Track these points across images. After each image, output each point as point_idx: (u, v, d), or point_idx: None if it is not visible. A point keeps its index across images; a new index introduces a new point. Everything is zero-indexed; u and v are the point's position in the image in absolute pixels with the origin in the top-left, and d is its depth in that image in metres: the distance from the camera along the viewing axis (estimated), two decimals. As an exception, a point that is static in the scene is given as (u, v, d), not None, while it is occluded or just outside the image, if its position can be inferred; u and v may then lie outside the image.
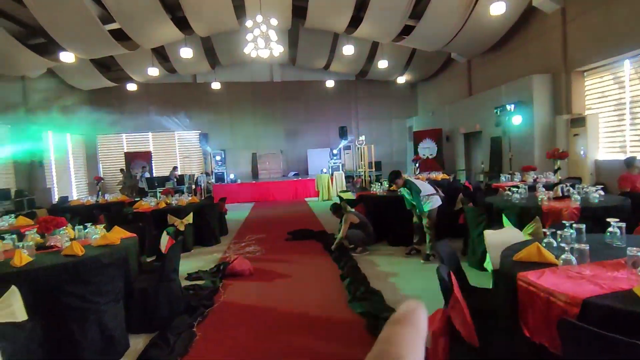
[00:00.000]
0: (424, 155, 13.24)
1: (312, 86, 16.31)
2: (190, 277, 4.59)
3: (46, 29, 8.79)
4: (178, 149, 15.55)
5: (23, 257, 2.74)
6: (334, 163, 13.69)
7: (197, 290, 4.05)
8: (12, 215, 5.33)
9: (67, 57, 9.66)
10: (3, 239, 3.29)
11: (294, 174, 15.14)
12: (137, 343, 2.98)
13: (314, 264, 5.10)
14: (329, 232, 6.67)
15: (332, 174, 12.66)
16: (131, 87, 14.17)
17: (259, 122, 16.06)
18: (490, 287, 2.68)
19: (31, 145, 10.50)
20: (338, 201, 6.42)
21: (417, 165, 9.52)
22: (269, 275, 4.70)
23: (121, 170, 13.21)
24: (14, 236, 3.35)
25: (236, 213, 9.80)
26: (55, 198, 10.88)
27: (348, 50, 11.68)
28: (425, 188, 4.86)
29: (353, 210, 5.67)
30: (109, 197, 7.83)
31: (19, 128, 10.43)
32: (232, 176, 14.02)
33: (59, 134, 12.65)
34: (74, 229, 3.67)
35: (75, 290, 2.63)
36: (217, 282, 4.32)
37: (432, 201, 4.80)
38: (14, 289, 2.40)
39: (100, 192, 9.29)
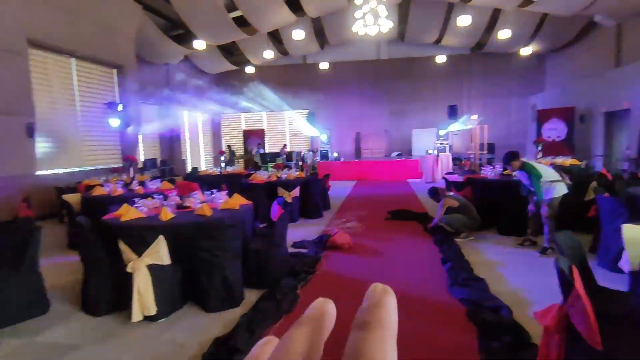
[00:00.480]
0: (549, 137, 11.61)
1: (421, 62, 15.52)
2: (295, 245, 4.98)
3: (185, 20, 10.12)
4: (288, 127, 16.56)
5: (167, 214, 3.34)
6: (440, 144, 12.97)
7: (301, 258, 4.38)
8: (159, 180, 6.45)
9: (199, 44, 11.01)
10: (153, 197, 4.03)
11: (397, 154, 14.85)
12: (250, 296, 3.39)
13: (413, 245, 5.03)
14: (430, 215, 6.45)
15: (437, 155, 12.05)
16: (249, 69, 15.48)
17: (364, 101, 16.03)
18: (625, 290, 2.30)
19: (171, 122, 12.40)
20: (444, 183, 6.15)
21: (539, 148, 8.42)
22: (367, 251, 4.80)
23: (228, 146, 14.80)
24: (161, 196, 4.08)
25: (338, 190, 10.12)
26: (189, 168, 12.74)
27: (463, 21, 10.74)
28: (548, 173, 4.31)
29: (452, 193, 5.41)
30: (229, 169, 8.84)
31: (163, 107, 12.38)
32: (335, 154, 14.41)
33: (192, 112, 14.64)
34: (203, 194, 4.29)
35: (205, 244, 3.10)
36: (319, 252, 4.60)
37: (556, 188, 4.24)
38: (161, 237, 2.96)
39: (223, 165, 10.53)
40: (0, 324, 2.80)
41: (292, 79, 16.23)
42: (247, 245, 3.57)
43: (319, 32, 13.95)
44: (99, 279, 3.11)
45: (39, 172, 7.24)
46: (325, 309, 0.28)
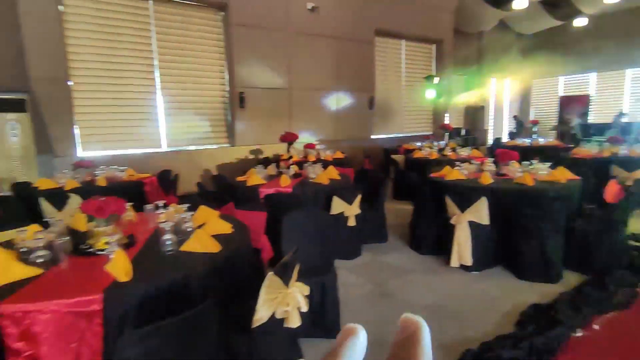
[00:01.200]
0: None
1: None
2: (634, 236, 4.04)
3: (506, -19, 9.54)
4: (629, 89, 12.76)
5: (488, 178, 3.56)
6: None
7: (645, 253, 3.55)
8: (467, 148, 6.78)
9: (520, 3, 10.11)
10: (471, 163, 4.35)
11: None
12: (569, 277, 3.15)
13: None
14: None
15: None
16: (579, 22, 12.78)
17: None
18: None
19: (478, 92, 12.36)
20: None
21: None
22: None
23: (514, 116, 13.09)
24: (478, 163, 4.34)
25: None
26: (490, 139, 12.44)
27: None
28: None
29: None
30: (542, 141, 8.01)
31: (471, 77, 12.49)
32: None
33: (501, 80, 13.93)
34: (520, 164, 4.21)
35: (526, 211, 3.12)
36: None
37: None
38: (483, 198, 3.22)
39: (533, 135, 9.60)
40: (363, 241, 3.98)
41: (645, 24, 12.12)
42: (572, 224, 3.28)
43: None
44: (426, 224, 3.80)
45: (372, 136, 9.22)
46: (356, 336, 0.25)
